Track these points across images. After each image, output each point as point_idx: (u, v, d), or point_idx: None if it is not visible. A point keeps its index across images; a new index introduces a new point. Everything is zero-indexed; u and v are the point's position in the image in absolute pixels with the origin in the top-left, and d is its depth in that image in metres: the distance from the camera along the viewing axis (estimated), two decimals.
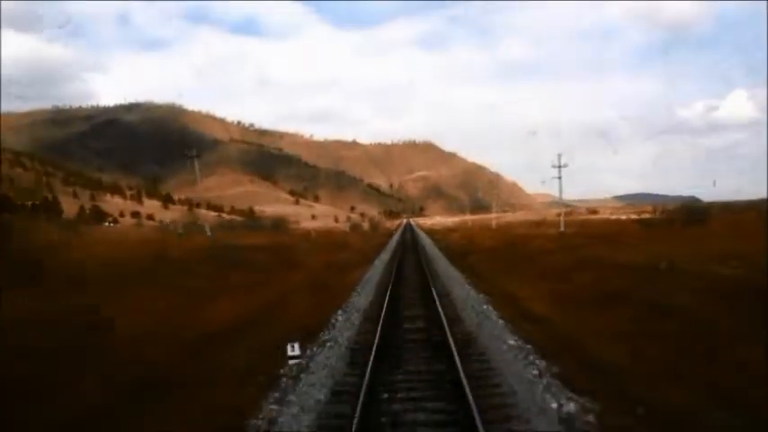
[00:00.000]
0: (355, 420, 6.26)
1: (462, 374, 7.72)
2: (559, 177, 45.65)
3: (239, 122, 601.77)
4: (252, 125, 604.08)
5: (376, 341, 9.87)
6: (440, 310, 12.72)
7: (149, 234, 53.45)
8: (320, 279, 19.34)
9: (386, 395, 7.58)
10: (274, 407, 7.21)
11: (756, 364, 7.32)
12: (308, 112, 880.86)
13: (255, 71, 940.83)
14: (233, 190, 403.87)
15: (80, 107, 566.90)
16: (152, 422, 6.47)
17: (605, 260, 18.25)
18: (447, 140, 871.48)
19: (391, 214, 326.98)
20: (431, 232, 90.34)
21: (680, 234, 30.01)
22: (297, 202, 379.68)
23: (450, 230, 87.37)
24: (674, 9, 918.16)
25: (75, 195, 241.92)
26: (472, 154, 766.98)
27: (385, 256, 34.28)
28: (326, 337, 11.16)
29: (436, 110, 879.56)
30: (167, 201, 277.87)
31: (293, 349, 8.97)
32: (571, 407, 6.92)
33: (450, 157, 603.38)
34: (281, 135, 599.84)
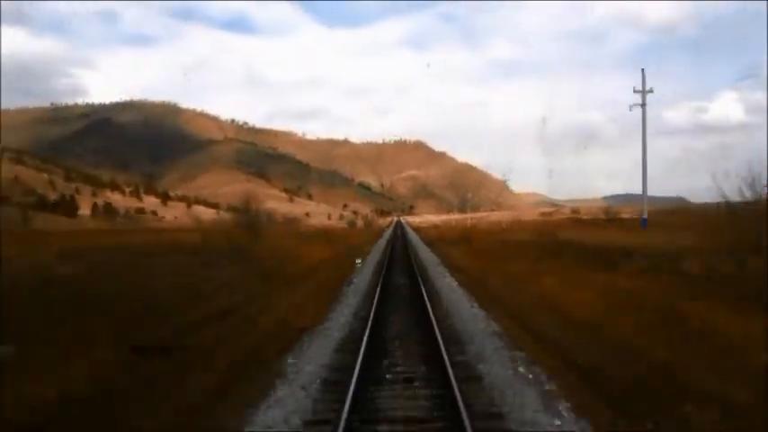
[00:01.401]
0: (382, 274, 21.51)
1: (415, 265, 23.42)
2: (507, 183, 60.94)
3: (233, 121, 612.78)
4: (245, 123, 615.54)
5: (386, 262, 25.38)
6: (412, 258, 28.34)
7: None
8: (351, 248, 35.55)
9: (392, 270, 23.05)
10: (356, 274, 22.57)
11: (514, 264, 22.79)
12: (300, 110, 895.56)
13: (246, 69, 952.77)
14: (227, 187, 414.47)
15: (76, 104, 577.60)
16: (319, 277, 21.92)
17: (503, 238, 34.23)
18: (437, 140, 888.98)
19: (382, 213, 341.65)
20: (417, 229, 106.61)
21: (582, 227, 45.50)
22: (291, 200, 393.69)
23: (434, 227, 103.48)
24: (662, 10, 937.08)
25: (77, 192, 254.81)
26: (461, 153, 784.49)
27: (382, 242, 50.40)
28: (368, 258, 26.81)
29: (426, 109, 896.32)
30: (166, 198, 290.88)
31: (359, 261, 24.49)
32: (449, 279, 22.53)
33: (440, 156, 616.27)
34: (274, 134, 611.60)
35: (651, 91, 25.90)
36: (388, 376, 8.22)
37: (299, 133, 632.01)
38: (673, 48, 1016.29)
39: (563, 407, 6.73)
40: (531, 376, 7.98)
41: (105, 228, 75.11)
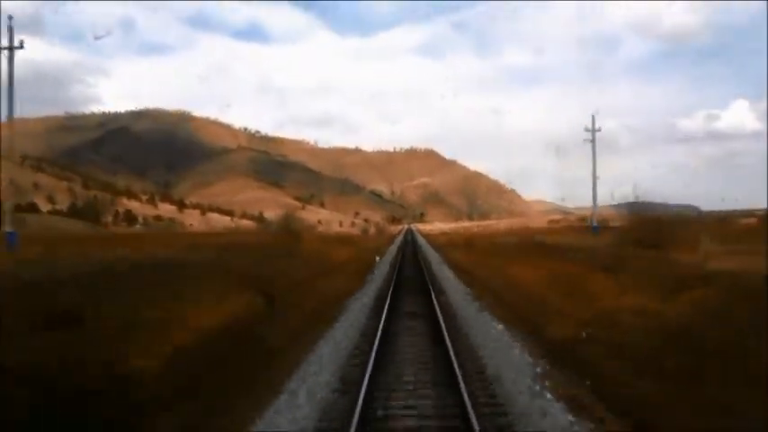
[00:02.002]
0: (397, 266, 28.76)
1: (422, 261, 30.73)
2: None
3: (246, 129, 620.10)
4: (258, 131, 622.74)
5: (401, 251, 32.61)
6: (419, 257, 35.60)
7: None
8: (369, 249, 42.90)
9: (404, 264, 30.40)
10: (377, 266, 29.74)
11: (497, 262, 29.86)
12: (311, 117, 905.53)
13: (258, 77, 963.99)
14: (241, 195, 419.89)
15: (92, 113, 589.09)
16: (350, 267, 29.19)
17: (493, 241, 41.31)
18: (448, 147, 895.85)
19: (393, 220, 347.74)
20: (427, 236, 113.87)
21: (565, 233, 52.51)
22: (303, 208, 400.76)
23: (442, 234, 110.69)
24: (675, 18, 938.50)
25: (96, 199, 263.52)
26: (472, 161, 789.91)
27: (394, 247, 57.84)
28: (388, 252, 34.11)
29: (437, 116, 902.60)
30: (181, 205, 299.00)
31: (378, 258, 31.70)
32: (445, 268, 29.67)
33: (451, 164, 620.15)
34: (286, 142, 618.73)
35: (599, 130, 33.76)
36: (402, 291, 15.46)
37: (311, 141, 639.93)
38: (685, 55, 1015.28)
39: (487, 312, 13.91)
40: (476, 304, 15.23)
41: (130, 233, 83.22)
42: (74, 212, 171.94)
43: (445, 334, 10.93)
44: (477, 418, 6.50)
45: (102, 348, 8.38)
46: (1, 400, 6.69)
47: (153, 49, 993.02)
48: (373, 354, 9.55)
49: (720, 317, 10.59)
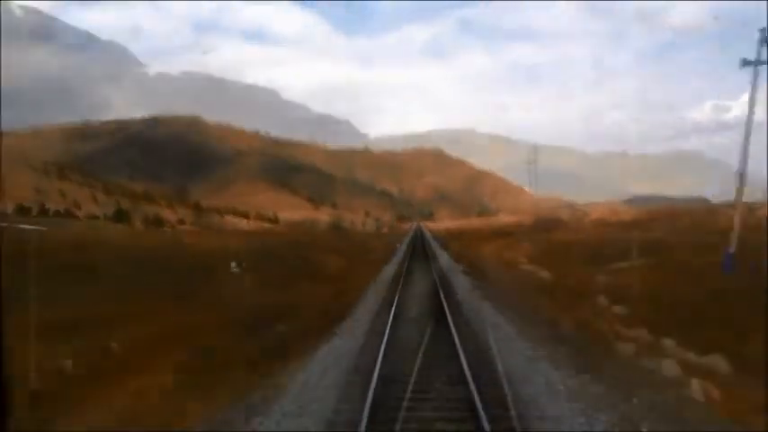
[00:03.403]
0: (411, 249, 44.36)
1: (424, 236, 46.22)
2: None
3: (257, 132, 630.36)
4: (268, 132, 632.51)
5: (412, 243, 48.20)
6: (425, 244, 51.37)
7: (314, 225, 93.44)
8: (391, 241, 58.49)
9: (415, 247, 45.93)
10: (398, 249, 45.28)
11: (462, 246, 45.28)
12: (320, 119, 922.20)
13: (267, 78, 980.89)
14: (254, 198, 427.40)
15: (107, 120, 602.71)
16: (381, 249, 44.68)
17: (481, 231, 56.74)
18: (456, 146, 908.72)
19: (402, 219, 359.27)
20: (433, 232, 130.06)
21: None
22: (316, 209, 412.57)
23: (447, 230, 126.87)
24: (683, 11, 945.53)
25: (119, 205, 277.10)
26: (480, 159, 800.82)
27: (407, 238, 73.80)
28: (403, 242, 50.01)
29: (445, 114, 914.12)
30: (199, 209, 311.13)
31: (398, 245, 47.38)
32: (440, 250, 45.41)
33: (458, 162, 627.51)
34: (296, 144, 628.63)
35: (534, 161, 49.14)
36: (415, 261, 31.36)
37: (320, 143, 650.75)
38: (695, 47, 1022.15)
39: (453, 260, 29.63)
40: (455, 265, 30.97)
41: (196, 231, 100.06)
42: (114, 217, 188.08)
43: (431, 263, 26.59)
44: (436, 272, 22.41)
45: (313, 262, 23.90)
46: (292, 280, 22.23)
47: (164, 52, 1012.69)
48: (405, 266, 25.49)
49: (548, 253, 26.10)
